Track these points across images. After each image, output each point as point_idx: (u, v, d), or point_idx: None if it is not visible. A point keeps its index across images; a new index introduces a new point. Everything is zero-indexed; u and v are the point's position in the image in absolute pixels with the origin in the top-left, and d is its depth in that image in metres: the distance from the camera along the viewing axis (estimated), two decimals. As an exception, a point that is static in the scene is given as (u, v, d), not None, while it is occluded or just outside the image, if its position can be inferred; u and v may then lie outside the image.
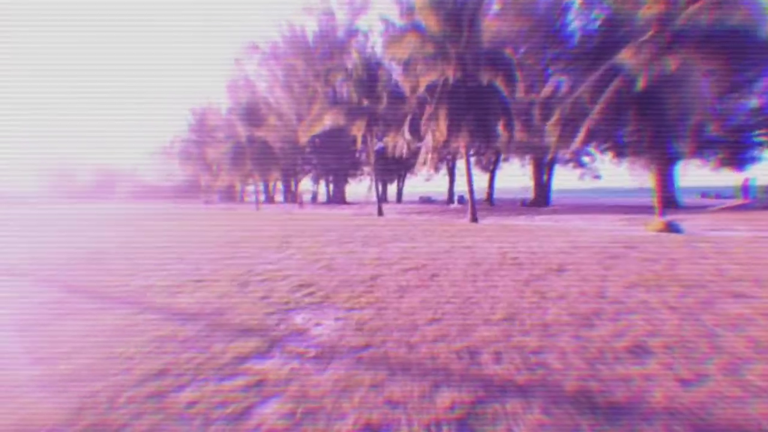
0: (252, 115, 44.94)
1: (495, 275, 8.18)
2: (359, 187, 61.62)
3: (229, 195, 72.58)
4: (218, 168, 50.92)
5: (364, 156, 52.65)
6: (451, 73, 21.76)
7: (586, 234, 14.98)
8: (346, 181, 59.74)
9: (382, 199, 30.38)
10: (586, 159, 42.53)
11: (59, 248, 13.55)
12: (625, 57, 16.56)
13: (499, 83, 21.81)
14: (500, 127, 22.21)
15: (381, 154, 34.84)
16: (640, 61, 15.91)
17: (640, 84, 15.48)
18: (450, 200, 49.41)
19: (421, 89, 23.31)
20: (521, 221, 22.82)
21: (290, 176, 62.55)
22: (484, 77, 21.77)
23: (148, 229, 18.70)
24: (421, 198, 57.70)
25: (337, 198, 58.37)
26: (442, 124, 21.13)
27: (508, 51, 25.49)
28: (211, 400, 3.58)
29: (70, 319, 5.93)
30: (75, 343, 5.00)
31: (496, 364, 4.14)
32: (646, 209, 26.07)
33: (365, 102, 29.63)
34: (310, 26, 55.30)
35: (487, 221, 22.67)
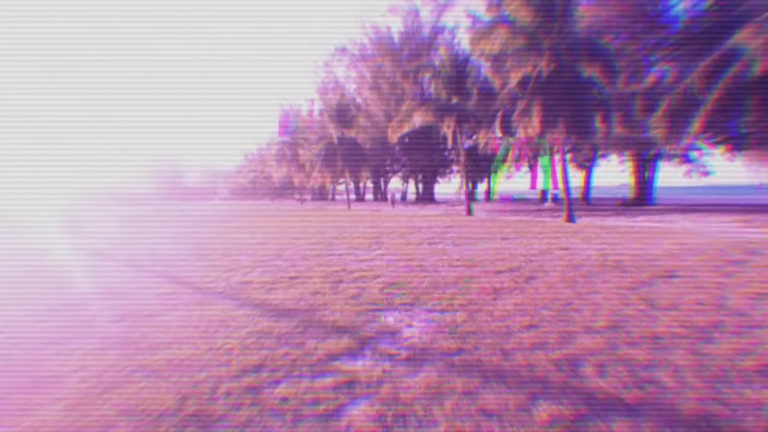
0: (342, 116, 46.04)
1: (596, 279, 7.67)
2: (448, 186, 61.18)
3: (321, 194, 75.07)
4: (311, 168, 52.74)
5: (453, 154, 52.16)
6: (544, 66, 20.85)
7: (697, 236, 13.71)
8: (435, 180, 59.54)
9: (471, 197, 29.78)
10: (693, 154, 38.54)
11: (170, 244, 14.62)
12: (744, 38, 14.89)
13: (596, 74, 20.55)
14: (598, 121, 20.93)
15: (471, 151, 34.29)
16: (763, 41, 14.22)
17: (763, 68, 13.85)
18: (543, 199, 47.56)
19: (513, 84, 22.54)
20: (621, 221, 21.36)
21: (380, 175, 63.52)
22: (580, 68, 20.63)
23: (248, 226, 19.77)
24: (511, 197, 56.13)
25: (426, 197, 58.34)
26: (536, 120, 20.28)
27: (605, 39, 24.01)
28: (303, 397, 3.63)
29: (179, 311, 6.33)
30: (182, 333, 5.32)
31: (600, 377, 3.83)
32: (765, 209, 23.47)
33: (454, 99, 29.26)
34: (396, 26, 55.74)
35: (584, 221, 21.50)
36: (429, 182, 58.72)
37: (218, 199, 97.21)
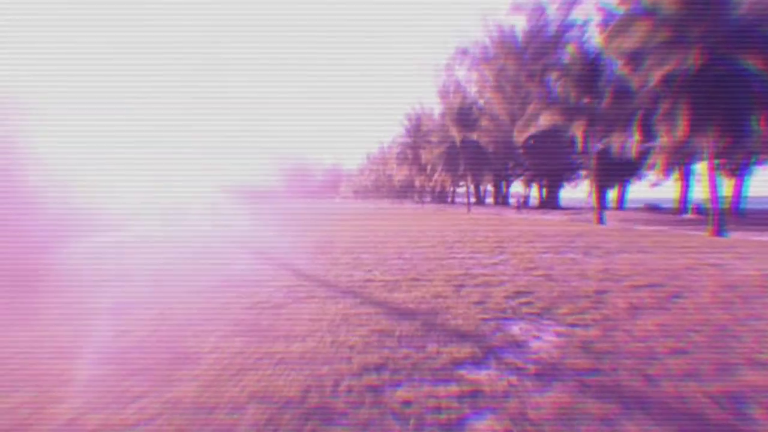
0: (464, 118, 45.48)
1: (758, 303, 6.62)
2: (574, 192, 57.87)
3: (440, 196, 75.03)
4: (432, 170, 52.78)
5: (581, 158, 49.16)
6: (693, 60, 18.68)
7: None
8: (559, 185, 56.61)
9: (602, 205, 27.76)
10: None
11: (296, 238, 15.39)
12: None
13: (759, 66, 17.91)
14: (758, 122, 18.25)
15: (602, 155, 32.03)
16: None
17: None
18: (683, 209, 42.96)
19: (654, 82, 20.49)
20: (787, 238, 18.51)
21: (501, 179, 61.86)
22: (738, 60, 18.15)
23: (368, 225, 20.25)
24: (646, 205, 51.43)
25: (551, 202, 55.68)
26: (682, 121, 18.24)
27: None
28: (425, 402, 3.49)
29: (304, 304, 6.54)
30: (307, 326, 5.46)
31: (776, 421, 3.21)
32: None
33: (584, 100, 27.48)
34: (520, 25, 53.80)
35: (735, 235, 18.96)
36: (553, 187, 55.95)
37: (340, 198, 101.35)
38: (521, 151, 49.99)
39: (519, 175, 60.75)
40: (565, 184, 57.44)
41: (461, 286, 7.62)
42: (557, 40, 49.21)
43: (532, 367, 4.19)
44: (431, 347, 4.69)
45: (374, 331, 5.22)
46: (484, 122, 50.04)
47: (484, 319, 5.67)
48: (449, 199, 76.59)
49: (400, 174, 68.89)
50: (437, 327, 5.38)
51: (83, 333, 5.44)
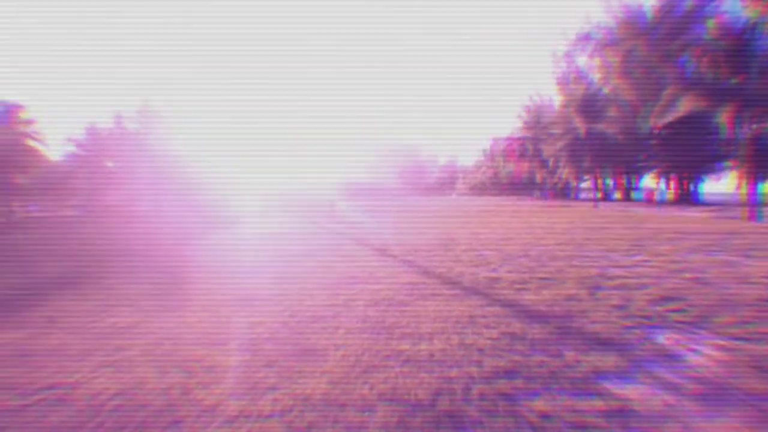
0: (588, 107, 42.62)
1: None
2: (714, 186, 51.63)
3: (562, 192, 71.20)
4: (553, 164, 50.24)
5: (727, 147, 43.69)
6: None
7: None
8: (699, 178, 50.82)
9: (756, 200, 24.35)
10: None
11: (415, 235, 15.36)
12: None
13: None
14: None
15: (756, 143, 28.12)
16: None
17: None
18: None
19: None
20: None
21: (632, 172, 57.06)
22: None
23: (489, 222, 19.65)
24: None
25: (688, 197, 50.25)
26: None
27: None
28: (566, 417, 3.18)
29: (428, 302, 6.40)
30: (433, 325, 5.30)
31: None
32: None
33: (733, 80, 24.24)
34: (649, 2, 48.84)
35: None
36: (691, 180, 50.41)
37: (456, 195, 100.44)
38: (654, 141, 45.68)
39: (651, 168, 55.58)
40: (705, 176, 51.48)
41: (597, 287, 6.97)
42: (693, 15, 44.08)
43: (692, 386, 3.64)
44: (568, 354, 4.29)
45: (504, 333, 4.92)
46: (611, 111, 46.39)
47: (626, 326, 5.09)
48: (572, 195, 72.40)
49: (519, 169, 66.55)
50: (573, 332, 4.93)
51: (221, 322, 5.79)
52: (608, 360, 4.14)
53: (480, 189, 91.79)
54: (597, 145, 41.15)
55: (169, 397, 3.70)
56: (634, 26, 49.26)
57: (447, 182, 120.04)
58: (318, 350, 4.63)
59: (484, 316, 5.58)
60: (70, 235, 23.04)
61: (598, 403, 3.37)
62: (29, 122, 49.02)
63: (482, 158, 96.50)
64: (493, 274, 8.16)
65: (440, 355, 4.37)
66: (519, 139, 66.23)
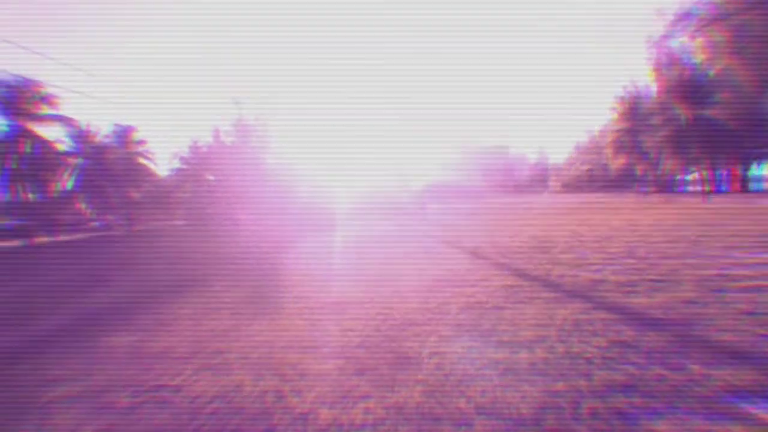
0: (692, 93, 39.06)
1: None
2: None
3: (665, 186, 66.00)
4: (655, 156, 46.66)
5: None
6: None
7: None
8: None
9: None
10: None
11: (508, 236, 14.78)
12: None
13: None
14: None
15: None
16: None
17: None
18: None
19: None
20: None
21: (748, 160, 51.53)
22: None
23: (586, 220, 18.46)
24: None
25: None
26: None
27: None
28: (700, 444, 2.73)
29: (526, 306, 6.00)
30: (531, 331, 4.93)
31: None
32: None
33: None
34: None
35: None
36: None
37: (548, 193, 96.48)
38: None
39: (772, 156, 49.73)
40: None
41: (719, 290, 6.15)
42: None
43: None
44: (693, 368, 3.77)
45: (614, 342, 4.45)
46: (720, 95, 42.15)
47: (762, 335, 4.41)
48: (676, 189, 66.67)
49: (616, 163, 62.40)
50: (697, 342, 4.35)
51: (314, 327, 5.79)
52: (744, 376, 3.58)
53: (574, 186, 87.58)
54: (705, 133, 37.56)
55: (264, 403, 3.70)
56: (746, -3, 44.28)
57: (538, 180, 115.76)
58: (411, 357, 4.45)
59: (590, 322, 5.11)
60: (179, 244, 24.83)
61: (737, 429, 2.89)
62: (141, 142, 54.06)
63: (575, 154, 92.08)
64: (597, 276, 7.52)
65: (543, 365, 4.02)
66: (615, 131, 62.19)
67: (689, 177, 61.16)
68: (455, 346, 4.67)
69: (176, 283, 10.59)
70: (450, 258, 10.89)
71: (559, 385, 3.61)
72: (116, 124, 52.36)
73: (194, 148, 54.38)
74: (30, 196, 35.44)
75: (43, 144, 35.59)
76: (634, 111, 58.10)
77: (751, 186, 48.93)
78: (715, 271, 7.26)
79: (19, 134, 34.32)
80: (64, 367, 5.03)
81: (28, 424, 3.74)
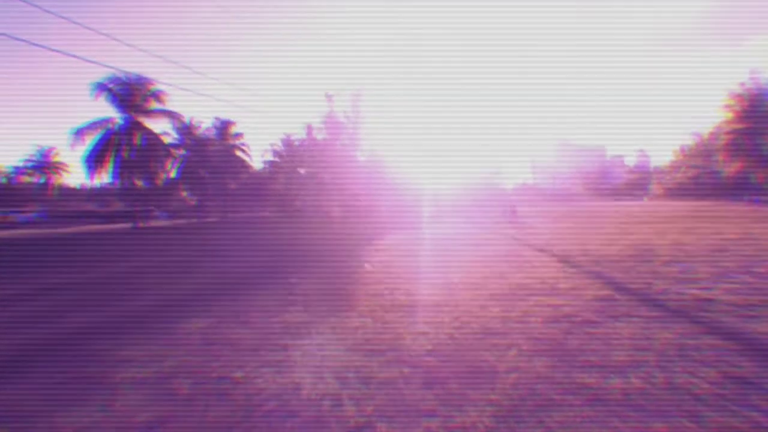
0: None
1: None
2: None
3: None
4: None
5: None
6: None
7: None
8: None
9: None
10: None
11: (605, 243, 13.72)
12: None
13: None
14: None
15: None
16: None
17: None
18: None
19: None
20: None
21: None
22: None
23: (695, 229, 16.67)
24: None
25: None
26: None
27: None
28: None
29: (621, 323, 5.33)
30: (628, 354, 4.32)
31: None
32: None
33: None
34: None
35: None
36: None
37: (649, 198, 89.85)
38: None
39: None
40: None
41: None
42: None
43: None
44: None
45: (729, 376, 3.75)
46: None
47: None
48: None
49: (730, 168, 56.68)
50: (842, 385, 3.55)
51: (385, 329, 5.51)
52: None
53: (678, 192, 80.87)
54: None
55: (320, 409, 3.46)
56: None
57: (637, 184, 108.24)
58: (485, 372, 4.02)
59: (697, 349, 4.39)
60: (268, 233, 25.72)
61: None
62: (238, 136, 56.93)
63: (680, 157, 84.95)
64: (706, 294, 6.59)
65: (639, 397, 3.43)
66: (729, 132, 56.43)
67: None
68: (537, 363, 4.18)
69: (260, 271, 10.82)
70: (538, 264, 10.20)
71: (658, 425, 3.05)
72: (216, 118, 55.54)
73: (287, 142, 56.67)
74: (139, 183, 38.36)
75: (151, 136, 38.37)
76: (753, 109, 52.18)
77: None
78: None
79: (131, 127, 37.25)
80: (140, 348, 5.13)
81: (93, 403, 3.77)
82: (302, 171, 52.11)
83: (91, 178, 36.41)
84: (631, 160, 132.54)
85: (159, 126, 40.43)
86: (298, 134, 53.93)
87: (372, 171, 45.18)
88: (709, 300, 6.24)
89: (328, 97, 46.66)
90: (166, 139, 42.73)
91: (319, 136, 48.46)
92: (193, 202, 60.14)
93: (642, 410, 3.24)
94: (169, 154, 41.64)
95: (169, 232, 28.99)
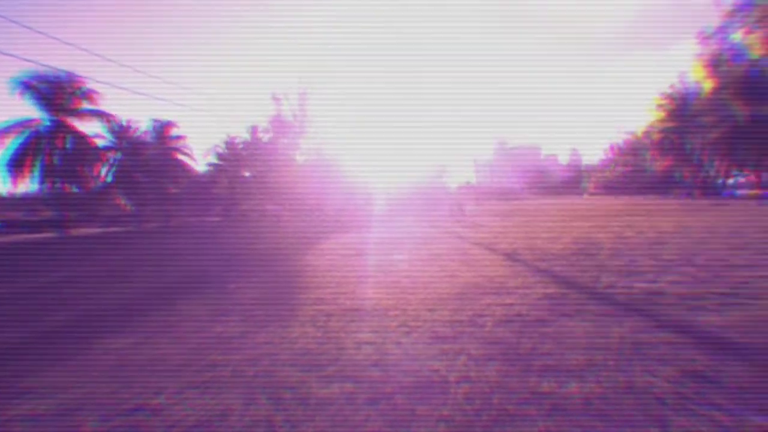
0: (751, 90, 36.72)
1: None
2: None
3: (710, 189, 62.96)
4: (704, 158, 44.33)
5: None
6: None
7: None
8: None
9: None
10: None
11: (547, 238, 13.81)
12: None
13: None
14: None
15: None
16: None
17: None
18: None
19: None
20: None
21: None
22: None
23: (633, 223, 17.12)
24: None
25: None
26: None
27: None
28: None
29: (573, 321, 5.15)
30: (582, 353, 4.09)
31: None
32: None
33: None
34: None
35: None
36: None
37: (586, 195, 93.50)
38: None
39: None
40: None
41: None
42: None
43: None
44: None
45: (688, 374, 3.57)
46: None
47: None
48: (723, 192, 63.19)
49: (660, 165, 59.60)
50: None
51: (325, 338, 5.08)
52: None
53: (611, 188, 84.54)
54: (763, 133, 35.23)
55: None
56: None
57: (574, 182, 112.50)
58: (434, 384, 3.67)
59: (652, 345, 4.22)
60: (209, 239, 24.63)
61: None
62: (179, 138, 54.62)
63: (611, 155, 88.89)
64: (654, 287, 6.56)
65: (600, 403, 3.18)
66: (660, 131, 59.39)
67: (736, 180, 58.10)
68: (489, 370, 3.87)
69: (197, 280, 10.12)
70: (486, 262, 10.04)
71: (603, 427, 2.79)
72: (155, 120, 53.04)
73: (231, 144, 54.92)
74: (70, 189, 36.06)
75: (80, 139, 36.10)
76: (681, 110, 55.13)
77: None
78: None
79: (57, 129, 34.89)
80: (44, 375, 4.48)
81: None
82: (247, 173, 50.68)
83: (13, 184, 33.83)
84: (564, 159, 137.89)
85: (90, 127, 38.15)
86: (243, 136, 52.49)
87: (319, 171, 44.56)
88: (657, 292, 6.19)
89: (275, 98, 45.64)
90: (100, 142, 40.38)
91: (265, 138, 47.27)
92: (130, 209, 57.28)
93: (605, 418, 2.98)
94: (100, 158, 39.34)
95: (100, 241, 27.21)
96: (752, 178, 43.63)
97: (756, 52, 46.77)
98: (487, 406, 3.23)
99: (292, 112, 45.77)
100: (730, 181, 59.29)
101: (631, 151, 78.09)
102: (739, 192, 51.78)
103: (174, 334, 5.65)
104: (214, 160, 56.80)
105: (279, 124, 45.57)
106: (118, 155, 46.72)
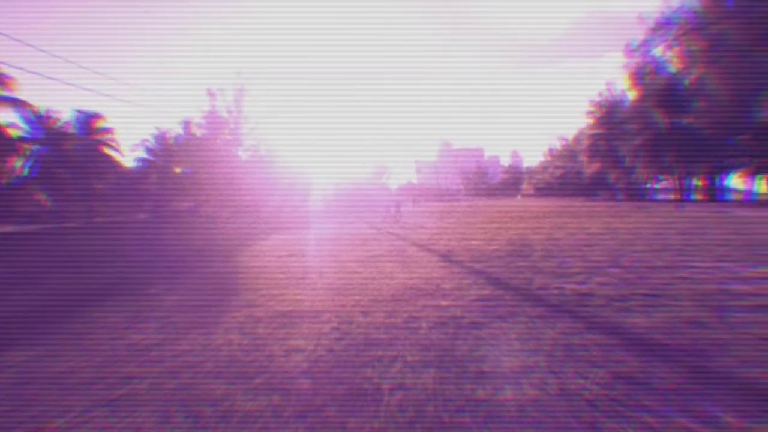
0: (670, 101, 39.20)
1: None
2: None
3: (635, 192, 66.82)
4: (630, 163, 46.87)
5: None
6: None
7: None
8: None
9: None
10: None
11: (483, 239, 14.00)
12: None
13: None
14: None
15: None
16: None
17: None
18: None
19: None
20: None
21: (717, 170, 52.15)
22: None
23: (564, 225, 17.76)
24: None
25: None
26: None
27: None
28: None
29: (507, 324, 5.14)
30: (517, 358, 4.06)
31: None
32: None
33: None
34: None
35: None
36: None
37: (521, 196, 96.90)
38: (746, 135, 41.25)
39: (742, 166, 50.34)
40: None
41: (724, 309, 5.33)
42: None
43: None
44: (728, 420, 2.95)
45: (618, 376, 3.60)
46: (698, 104, 42.37)
47: (796, 370, 3.61)
48: (647, 196, 67.27)
49: (591, 169, 62.59)
50: (719, 378, 3.53)
51: (253, 345, 4.80)
52: None
53: (546, 190, 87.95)
54: (682, 140, 37.67)
55: None
56: (722, 7, 44.50)
57: (511, 184, 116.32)
58: (368, 393, 3.51)
59: (583, 347, 4.26)
60: (136, 239, 23.32)
61: None
62: (106, 131, 51.44)
63: (548, 158, 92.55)
64: (584, 288, 6.72)
65: (535, 410, 3.12)
66: (590, 137, 62.41)
67: (659, 185, 61.77)
68: (425, 377, 3.75)
69: (117, 283, 9.45)
70: (422, 263, 10.00)
71: (560, 438, 2.74)
72: (79, 111, 49.75)
73: (161, 138, 52.31)
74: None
75: (-10, 129, 33.33)
76: (610, 117, 58.30)
77: (718, 196, 49.48)
78: (713, 286, 6.51)
79: (-37, 118, 32.06)
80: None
81: None
82: (179, 170, 48.58)
83: None
84: (506, 161, 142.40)
85: (4, 117, 35.25)
86: (175, 130, 50.13)
87: (256, 169, 43.41)
88: (587, 294, 6.33)
89: (210, 93, 43.98)
90: (15, 133, 37.42)
91: (199, 133, 45.47)
92: (50, 205, 53.47)
93: (540, 426, 2.92)
94: (15, 150, 36.48)
95: (11, 240, 25.19)
96: (671, 183, 46.55)
97: (675, 66, 50.04)
98: (422, 416, 3.10)
99: (227, 108, 44.32)
100: (654, 185, 63.11)
101: (567, 154, 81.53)
102: (660, 196, 55.21)
103: (84, 345, 5.17)
104: (143, 154, 53.98)
105: (213, 119, 43.97)
106: (36, 147, 43.54)
